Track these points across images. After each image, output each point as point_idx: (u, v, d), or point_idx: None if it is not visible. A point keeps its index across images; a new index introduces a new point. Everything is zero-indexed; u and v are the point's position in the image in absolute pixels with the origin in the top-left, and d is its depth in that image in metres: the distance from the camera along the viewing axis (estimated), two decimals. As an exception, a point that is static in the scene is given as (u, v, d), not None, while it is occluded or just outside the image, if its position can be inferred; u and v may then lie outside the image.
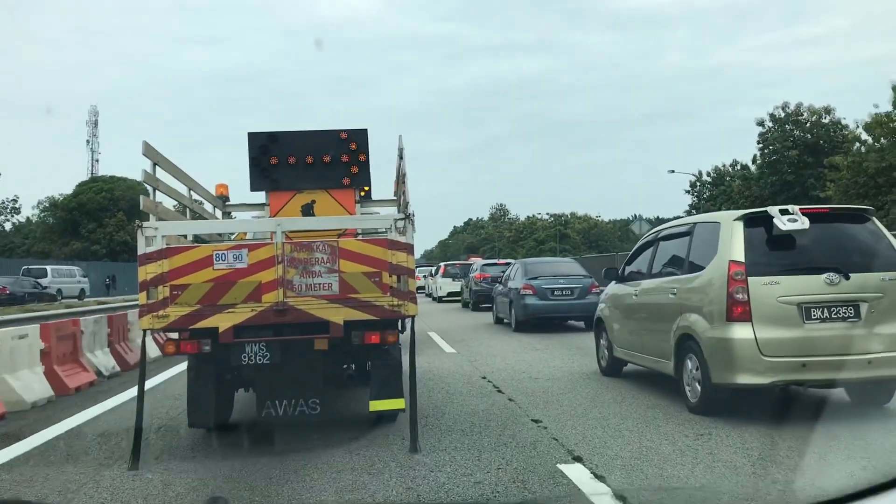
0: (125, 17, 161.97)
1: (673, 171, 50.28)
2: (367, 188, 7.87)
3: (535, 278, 15.20)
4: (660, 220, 49.13)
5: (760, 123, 45.27)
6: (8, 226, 67.37)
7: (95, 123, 77.96)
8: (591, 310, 14.95)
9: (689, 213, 56.30)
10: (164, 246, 5.29)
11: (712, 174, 54.20)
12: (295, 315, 5.29)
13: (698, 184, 54.53)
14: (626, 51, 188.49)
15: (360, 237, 6.36)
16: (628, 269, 8.34)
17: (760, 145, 45.53)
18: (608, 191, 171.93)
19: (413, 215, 5.54)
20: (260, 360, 5.39)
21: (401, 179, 6.72)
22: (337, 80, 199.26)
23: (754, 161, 47.87)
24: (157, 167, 5.82)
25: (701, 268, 6.47)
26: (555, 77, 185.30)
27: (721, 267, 6.11)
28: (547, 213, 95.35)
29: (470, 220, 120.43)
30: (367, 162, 7.46)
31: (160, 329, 5.38)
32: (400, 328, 6.14)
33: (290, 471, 4.87)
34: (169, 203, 6.27)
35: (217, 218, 7.88)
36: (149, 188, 5.78)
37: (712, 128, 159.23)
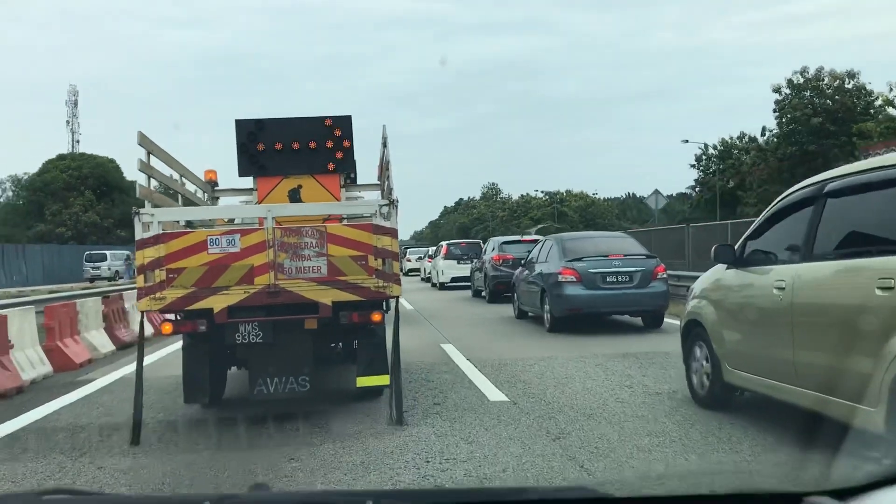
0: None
1: (686, 142, 51.46)
2: (351, 174, 8.69)
3: (579, 259, 12.20)
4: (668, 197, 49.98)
5: (777, 90, 46.07)
6: None
7: (75, 103, 79.76)
8: (656, 302, 12.09)
9: (694, 189, 57.57)
10: (161, 231, 6.12)
11: (719, 147, 55.28)
12: (286, 296, 6.12)
13: (704, 157, 55.63)
14: (616, 29, 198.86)
15: (345, 222, 7.20)
16: (755, 246, 6.08)
17: (777, 113, 46.34)
18: (600, 169, 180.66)
19: (397, 201, 6.38)
20: (252, 339, 6.24)
21: (385, 167, 7.56)
22: (324, 61, 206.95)
23: (763, 133, 48.91)
24: (150, 156, 6.64)
25: None
26: (544, 56, 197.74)
27: None
28: (541, 192, 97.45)
29: (461, 199, 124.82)
30: (351, 148, 8.27)
31: (157, 310, 6.24)
32: (385, 308, 6.99)
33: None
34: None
35: (206, 203, 8.72)
36: (144, 176, 6.59)
37: (702, 106, 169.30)
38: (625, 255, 12.44)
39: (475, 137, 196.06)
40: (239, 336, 6.24)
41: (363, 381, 6.67)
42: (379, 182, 8.42)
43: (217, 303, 6.08)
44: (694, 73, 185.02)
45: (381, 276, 6.20)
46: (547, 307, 12.52)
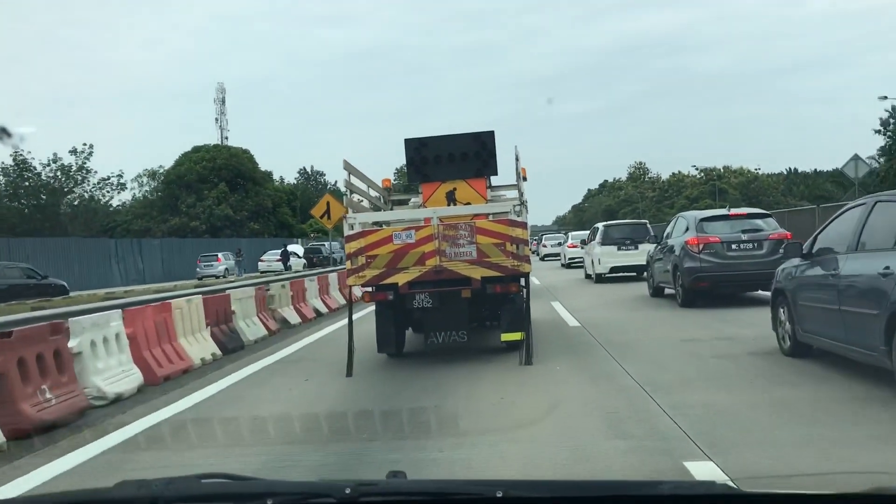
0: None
1: (885, 98, 50.75)
2: (495, 175, 12.27)
3: None
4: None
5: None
6: (115, 202, 71.54)
7: (223, 101, 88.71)
8: None
9: (877, 159, 57.21)
10: (362, 229, 9.88)
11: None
12: (447, 274, 9.69)
13: (892, 121, 55.33)
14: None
15: (490, 217, 10.74)
16: None
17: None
18: (756, 145, 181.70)
19: (526, 202, 9.88)
20: (425, 304, 9.90)
21: (519, 176, 11.11)
22: (466, 50, 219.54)
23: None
24: (350, 175, 10.46)
25: None
26: (691, 31, 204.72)
27: None
28: (696, 168, 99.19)
29: (605, 181, 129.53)
30: (493, 157, 11.81)
31: (360, 285, 10.02)
32: (522, 284, 10.46)
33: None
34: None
35: (384, 203, 12.67)
36: (347, 191, 10.40)
37: (867, 74, 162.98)
38: None
39: (620, 118, 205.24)
40: (415, 302, 9.93)
41: (506, 337, 10.17)
42: (516, 183, 11.97)
43: (400, 279, 9.75)
44: (857, 40, 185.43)
45: (516, 258, 9.64)
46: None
